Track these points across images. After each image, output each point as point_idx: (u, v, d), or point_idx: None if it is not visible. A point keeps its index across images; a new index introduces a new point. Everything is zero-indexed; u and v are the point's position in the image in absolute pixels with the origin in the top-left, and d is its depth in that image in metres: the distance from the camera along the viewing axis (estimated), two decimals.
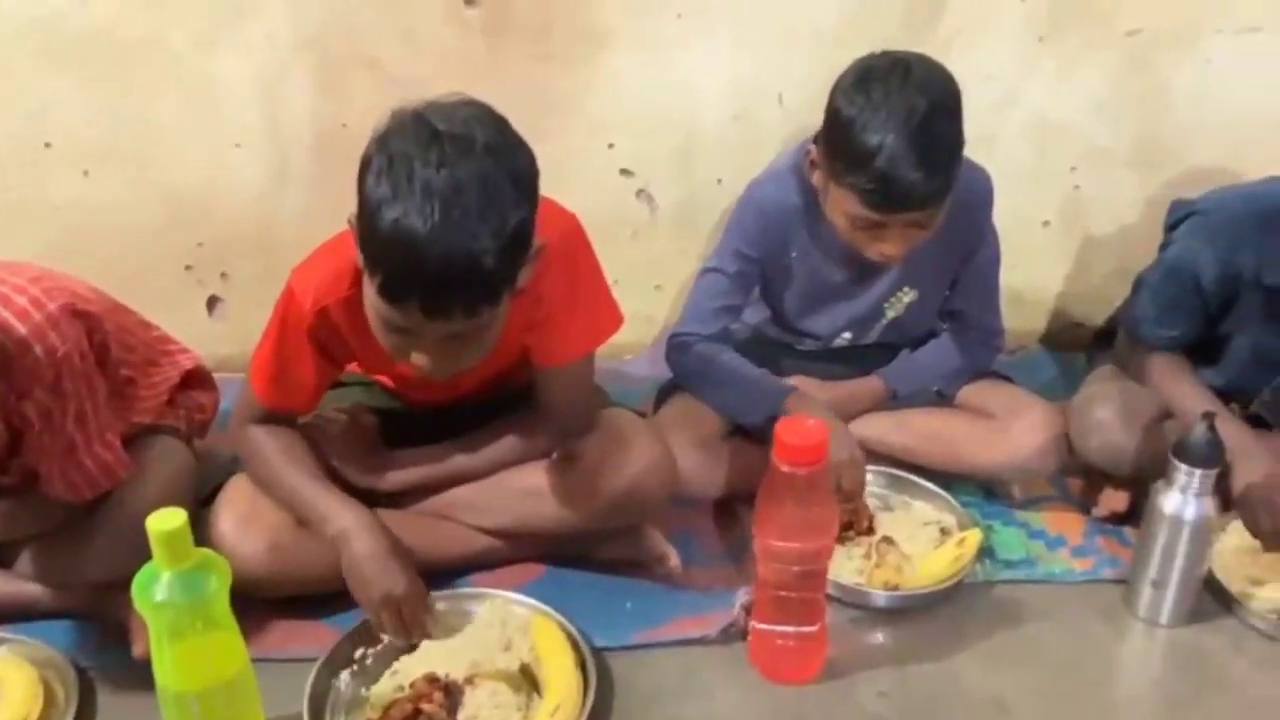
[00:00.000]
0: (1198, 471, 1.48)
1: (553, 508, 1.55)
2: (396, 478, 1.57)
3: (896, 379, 1.81)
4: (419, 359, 1.29)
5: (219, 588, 1.18)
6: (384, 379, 1.62)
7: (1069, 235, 2.16)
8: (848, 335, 1.83)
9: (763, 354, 1.85)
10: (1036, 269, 2.18)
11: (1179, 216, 1.73)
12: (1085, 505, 1.78)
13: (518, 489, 1.57)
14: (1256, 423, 1.76)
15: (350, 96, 1.91)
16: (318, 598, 1.49)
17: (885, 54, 1.53)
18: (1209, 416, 1.49)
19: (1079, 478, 1.82)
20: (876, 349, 1.85)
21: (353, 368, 1.56)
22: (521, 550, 1.63)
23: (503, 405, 1.60)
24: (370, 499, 1.51)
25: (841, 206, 1.55)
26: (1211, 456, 1.48)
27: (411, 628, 1.43)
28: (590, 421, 1.57)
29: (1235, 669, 1.51)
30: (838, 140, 1.52)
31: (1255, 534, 1.59)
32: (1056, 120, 2.05)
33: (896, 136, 1.45)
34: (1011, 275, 2.15)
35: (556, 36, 1.90)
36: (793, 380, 1.82)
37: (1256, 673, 1.50)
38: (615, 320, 1.52)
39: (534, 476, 1.56)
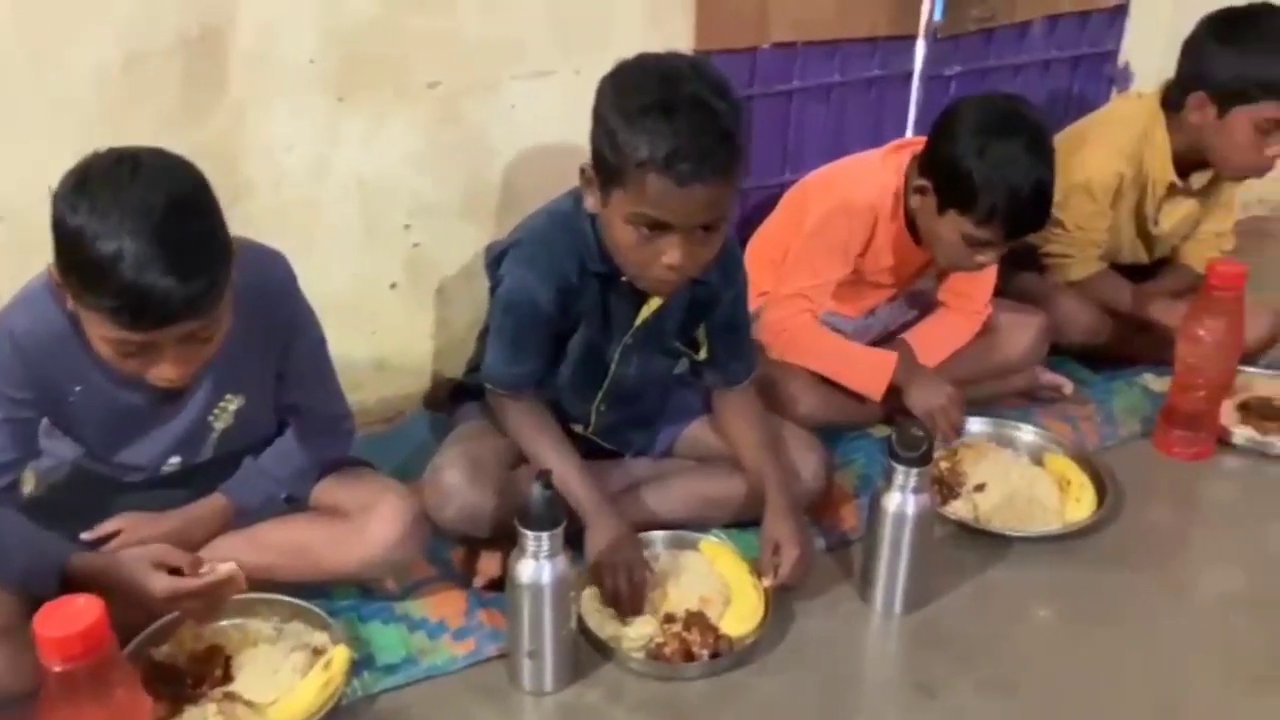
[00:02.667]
0: (544, 535, 1.45)
1: None
2: None
3: (240, 492, 1.62)
4: None
5: None
6: None
7: (420, 293, 2.09)
8: (177, 459, 1.59)
9: (87, 493, 1.58)
10: (396, 333, 2.10)
11: (496, 255, 1.73)
12: (467, 578, 1.72)
13: None
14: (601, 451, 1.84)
15: None
16: None
17: (110, 151, 1.29)
18: (543, 476, 1.46)
19: (459, 548, 1.76)
20: (219, 463, 1.63)
21: None
22: None
23: None
24: None
25: (97, 332, 1.31)
26: (551, 518, 1.45)
27: None
28: None
29: (614, 718, 1.51)
30: (68, 255, 1.27)
31: (608, 599, 1.63)
32: (378, 180, 1.97)
33: (135, 240, 1.23)
34: (371, 343, 2.08)
35: None
36: (120, 518, 1.56)
37: (634, 716, 1.51)
38: None
39: None
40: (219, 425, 1.58)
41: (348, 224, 1.97)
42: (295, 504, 1.65)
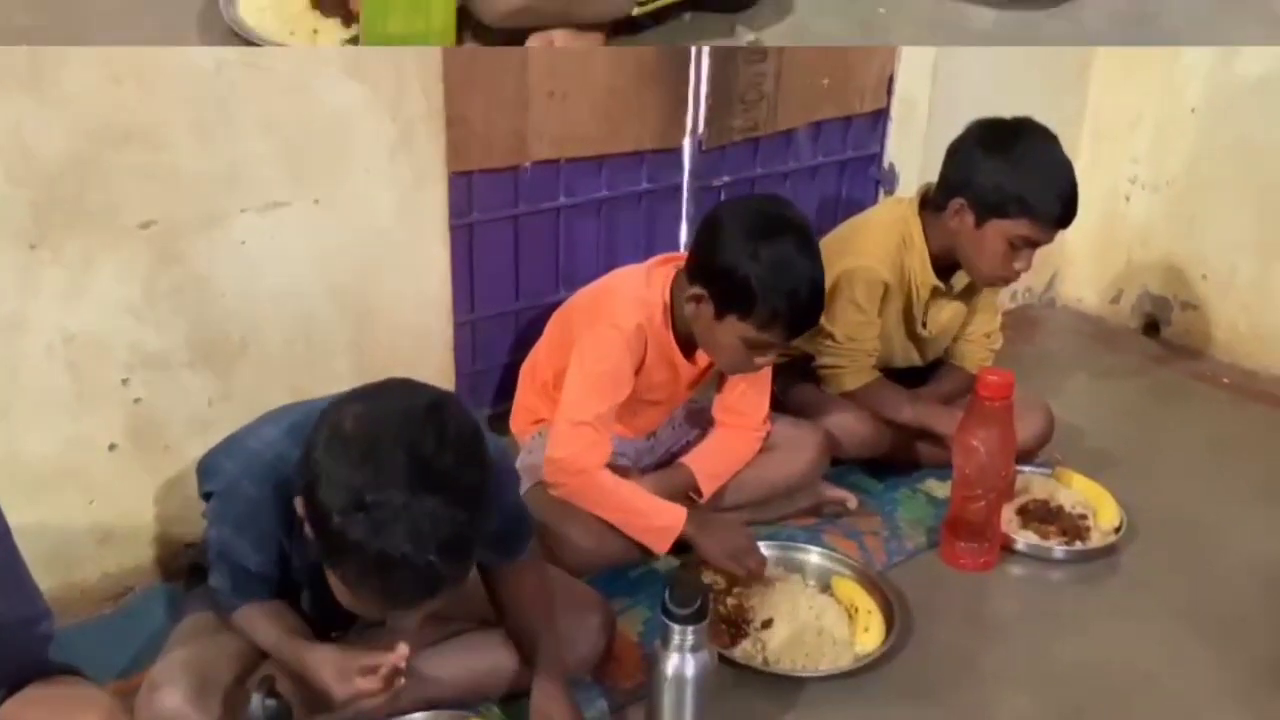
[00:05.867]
0: None
1: None
2: None
3: None
4: None
5: None
6: None
7: (144, 453, 1.85)
8: None
9: None
10: (118, 499, 1.85)
11: (208, 489, 1.53)
12: None
13: None
14: None
15: None
16: None
17: None
18: (266, 683, 1.28)
19: None
20: None
21: None
22: None
23: None
24: None
25: None
26: None
27: None
28: None
29: None
30: None
31: None
32: (88, 333, 1.74)
33: None
34: (89, 513, 1.89)
35: None
36: None
37: None
38: None
39: None
40: None
41: (53, 384, 1.73)
42: None
